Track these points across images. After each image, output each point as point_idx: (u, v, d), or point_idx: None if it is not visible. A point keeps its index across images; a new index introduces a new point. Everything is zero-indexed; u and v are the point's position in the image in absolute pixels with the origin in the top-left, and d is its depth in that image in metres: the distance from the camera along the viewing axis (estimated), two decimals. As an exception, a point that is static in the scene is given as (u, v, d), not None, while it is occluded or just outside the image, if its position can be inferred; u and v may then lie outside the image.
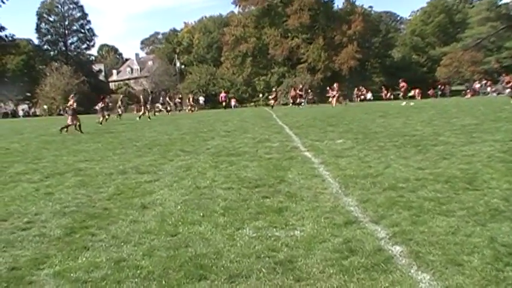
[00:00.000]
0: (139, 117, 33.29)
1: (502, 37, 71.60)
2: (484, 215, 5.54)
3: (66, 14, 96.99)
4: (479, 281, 3.85)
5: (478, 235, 4.90)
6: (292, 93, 48.09)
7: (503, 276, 3.91)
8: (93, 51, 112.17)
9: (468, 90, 61.30)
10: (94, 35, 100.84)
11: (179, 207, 6.69)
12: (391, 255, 4.51)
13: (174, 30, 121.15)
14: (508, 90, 28.22)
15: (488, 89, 60.65)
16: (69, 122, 22.28)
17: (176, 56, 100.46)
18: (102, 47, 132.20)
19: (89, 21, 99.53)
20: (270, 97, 50.72)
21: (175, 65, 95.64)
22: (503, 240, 4.73)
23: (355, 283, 3.93)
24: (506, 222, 5.26)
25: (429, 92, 66.51)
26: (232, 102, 66.37)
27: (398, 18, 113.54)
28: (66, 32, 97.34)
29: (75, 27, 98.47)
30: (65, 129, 21.97)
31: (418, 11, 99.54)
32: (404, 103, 35.91)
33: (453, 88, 71.42)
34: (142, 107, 35.33)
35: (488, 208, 5.81)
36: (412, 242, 4.81)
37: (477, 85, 62.84)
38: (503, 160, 8.92)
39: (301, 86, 51.30)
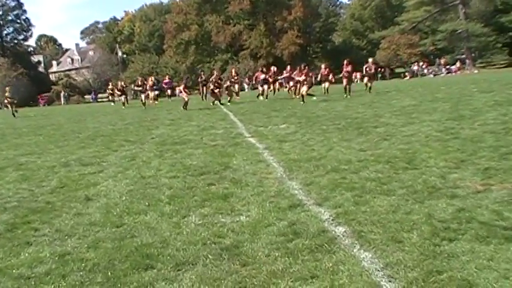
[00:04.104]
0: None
1: (436, 20, 73.41)
2: (423, 193, 5.75)
3: (0, 4, 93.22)
4: (418, 256, 4.00)
5: (416, 212, 5.08)
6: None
7: (439, 250, 4.09)
8: (31, 42, 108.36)
9: (407, 72, 62.88)
10: (31, 25, 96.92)
11: (124, 197, 6.63)
12: (335, 235, 4.62)
13: (115, 19, 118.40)
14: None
15: (426, 70, 62.47)
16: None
17: (117, 45, 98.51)
18: (40, 37, 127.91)
19: (24, 11, 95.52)
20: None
21: (117, 54, 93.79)
22: (440, 216, 4.92)
23: (300, 265, 4.01)
24: (442, 198, 5.48)
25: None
26: (177, 90, 65.25)
27: (338, 2, 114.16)
28: (1, 22, 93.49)
29: (10, 18, 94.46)
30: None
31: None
32: None
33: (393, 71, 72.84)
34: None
35: (426, 186, 6.03)
36: (355, 222, 4.94)
37: (415, 67, 64.48)
38: (439, 139, 9.25)
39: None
